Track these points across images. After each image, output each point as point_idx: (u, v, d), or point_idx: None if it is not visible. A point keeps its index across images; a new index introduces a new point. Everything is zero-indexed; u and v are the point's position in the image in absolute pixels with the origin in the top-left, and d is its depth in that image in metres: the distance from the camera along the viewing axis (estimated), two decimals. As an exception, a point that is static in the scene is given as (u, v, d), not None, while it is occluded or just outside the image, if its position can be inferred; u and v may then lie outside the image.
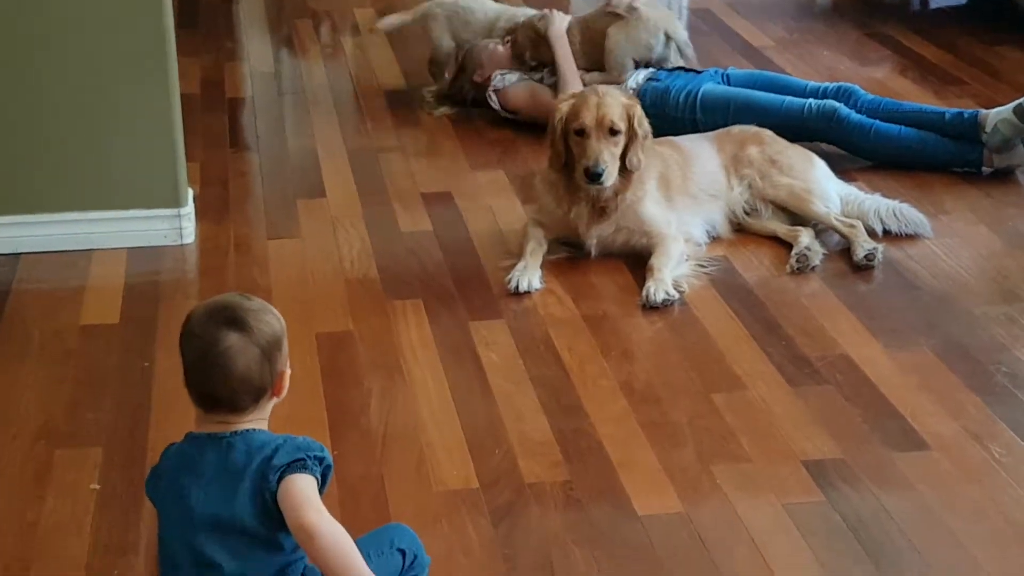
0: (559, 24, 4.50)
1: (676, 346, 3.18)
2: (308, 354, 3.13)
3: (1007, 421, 2.83)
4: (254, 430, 2.11)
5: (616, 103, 3.50)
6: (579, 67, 4.49)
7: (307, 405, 2.94)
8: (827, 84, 4.32)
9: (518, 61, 4.56)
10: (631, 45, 4.47)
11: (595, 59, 4.54)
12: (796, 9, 5.98)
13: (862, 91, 4.25)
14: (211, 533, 2.05)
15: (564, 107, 3.54)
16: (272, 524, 2.04)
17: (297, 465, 2.04)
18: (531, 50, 4.54)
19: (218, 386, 2.07)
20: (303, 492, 2.02)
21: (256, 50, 5.50)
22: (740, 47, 5.38)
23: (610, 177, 3.47)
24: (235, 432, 2.09)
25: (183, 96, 3.82)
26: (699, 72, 4.42)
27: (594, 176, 3.45)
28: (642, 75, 4.44)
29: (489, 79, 4.54)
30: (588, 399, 2.96)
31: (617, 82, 4.32)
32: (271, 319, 2.12)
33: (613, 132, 3.47)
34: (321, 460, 2.07)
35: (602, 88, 3.64)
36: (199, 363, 2.08)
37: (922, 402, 2.91)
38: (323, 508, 2.02)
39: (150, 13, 3.52)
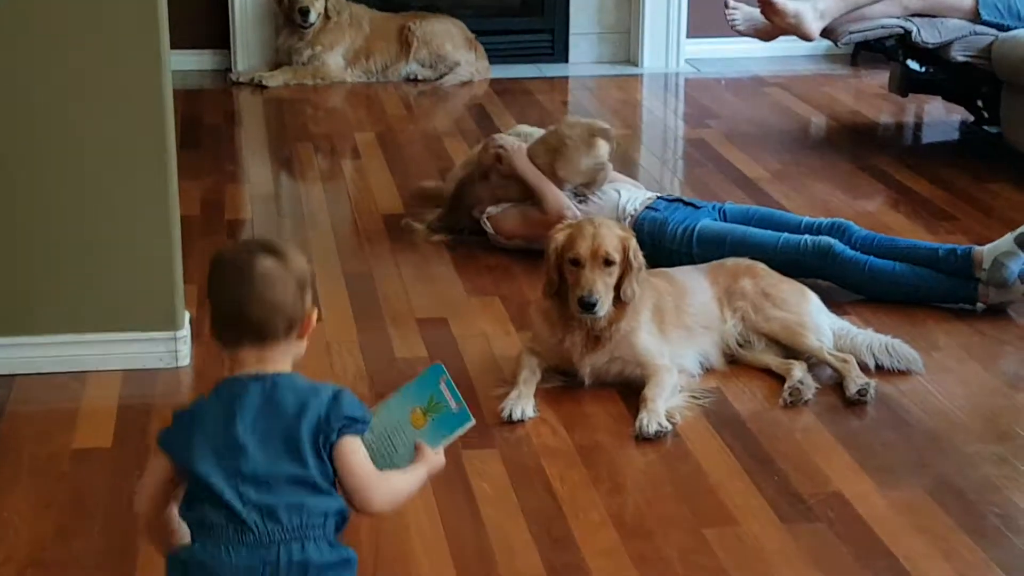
0: (519, 156, 4.55)
1: (668, 479, 3.18)
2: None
3: (1000, 564, 2.82)
4: (294, 374, 2.14)
5: (612, 234, 3.54)
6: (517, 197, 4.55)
7: (297, 534, 2.92)
8: (821, 220, 4.37)
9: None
10: (578, 174, 4.50)
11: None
12: (790, 141, 6.07)
13: (856, 227, 4.30)
14: (262, 476, 2.08)
15: (560, 236, 3.58)
16: (325, 472, 2.10)
17: (357, 427, 2.12)
18: (507, 190, 4.59)
19: (254, 306, 2.09)
20: (362, 467, 2.12)
21: (257, 172, 5.57)
22: (735, 178, 5.45)
23: (603, 307, 3.49)
24: (277, 373, 2.12)
25: (183, 218, 3.85)
26: (698, 207, 4.47)
27: (588, 306, 3.47)
28: (640, 200, 4.49)
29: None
30: (579, 531, 2.95)
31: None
32: (303, 259, 2.18)
33: (608, 263, 3.50)
34: (367, 422, 2.15)
35: (598, 219, 3.69)
36: (233, 287, 2.10)
37: (915, 543, 2.90)
38: (377, 482, 2.13)
39: (152, 135, 3.56)
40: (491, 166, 4.61)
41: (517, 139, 4.70)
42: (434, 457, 2.29)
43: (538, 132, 4.80)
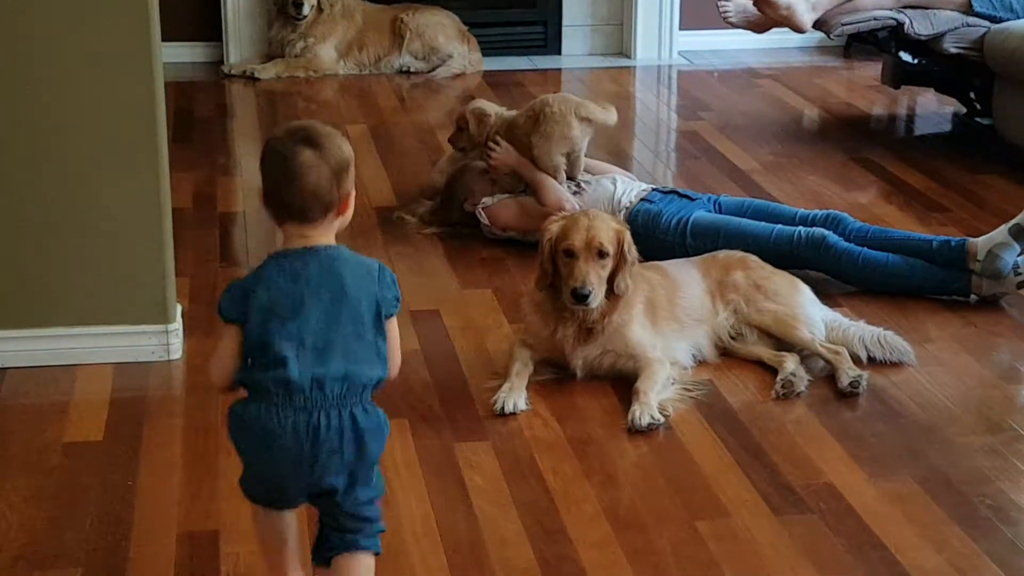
0: (510, 154, 4.56)
1: (661, 471, 3.18)
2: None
3: (991, 555, 2.82)
4: (340, 246, 2.39)
5: (607, 227, 3.53)
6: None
7: (289, 527, 2.92)
8: (816, 212, 4.37)
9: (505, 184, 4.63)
10: (551, 144, 4.52)
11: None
12: (783, 133, 6.06)
13: (850, 219, 4.30)
14: (325, 331, 2.31)
15: (554, 227, 3.58)
16: (382, 339, 2.37)
17: (399, 305, 2.40)
18: (499, 181, 4.61)
19: (293, 196, 2.33)
20: (397, 339, 2.44)
21: (249, 165, 5.55)
22: (728, 170, 5.45)
23: (596, 299, 3.49)
24: (327, 246, 2.37)
25: (175, 211, 3.85)
26: (692, 199, 4.47)
27: (580, 297, 3.47)
28: (635, 192, 4.49)
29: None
30: (572, 524, 2.95)
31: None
32: (343, 144, 2.40)
33: (602, 255, 3.50)
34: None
35: (593, 211, 3.69)
36: (277, 175, 2.35)
37: (906, 534, 2.90)
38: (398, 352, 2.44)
39: (144, 128, 3.55)
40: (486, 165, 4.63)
41: (489, 105, 4.70)
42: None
43: (498, 108, 4.79)
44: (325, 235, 2.38)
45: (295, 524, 2.47)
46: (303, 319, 2.31)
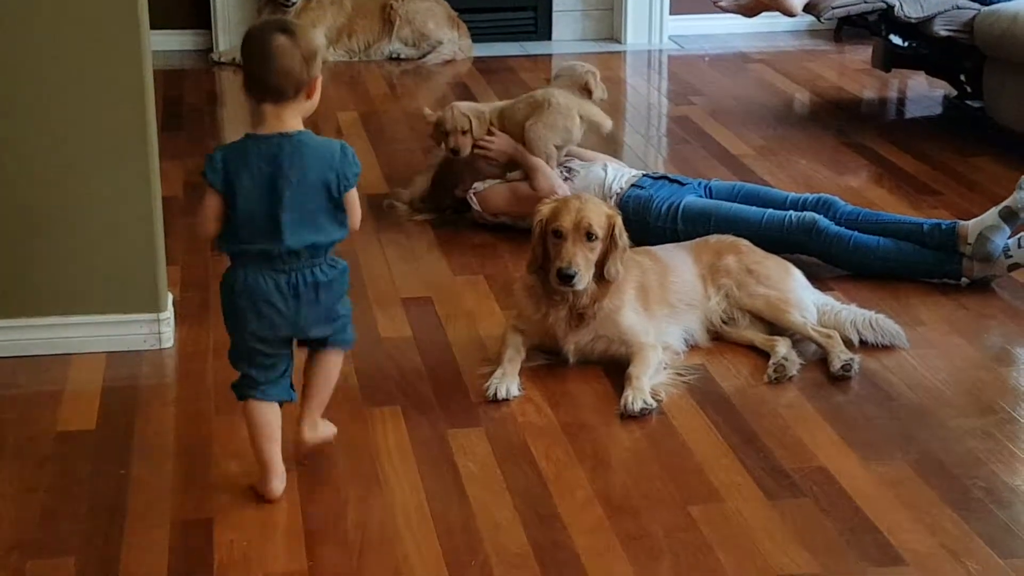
0: (503, 142, 4.56)
1: (654, 456, 3.18)
2: (285, 462, 3.11)
3: (984, 537, 2.83)
4: (306, 131, 2.83)
5: (597, 210, 3.53)
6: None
7: (283, 514, 2.92)
8: (807, 195, 4.37)
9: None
10: (551, 133, 4.53)
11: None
12: (774, 117, 6.06)
13: (842, 202, 4.31)
14: (295, 208, 2.79)
15: (545, 209, 3.58)
16: (341, 209, 2.86)
17: (357, 178, 2.86)
18: (488, 167, 4.63)
19: (269, 74, 2.76)
20: (357, 202, 2.89)
21: (239, 152, 5.53)
22: (719, 155, 5.45)
23: (582, 281, 3.48)
24: (297, 131, 2.81)
25: (165, 199, 3.85)
26: (683, 184, 4.47)
27: (565, 277, 3.46)
28: (625, 178, 4.49)
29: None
30: (565, 509, 2.95)
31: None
32: (315, 37, 2.88)
33: (590, 237, 3.49)
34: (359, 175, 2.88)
35: (586, 195, 3.69)
36: (257, 57, 2.77)
37: (899, 517, 2.91)
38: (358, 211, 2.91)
39: (133, 117, 3.54)
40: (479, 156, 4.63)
41: (470, 110, 4.68)
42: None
43: (478, 105, 4.77)
44: (295, 117, 2.83)
45: (279, 417, 2.95)
46: (277, 197, 2.79)
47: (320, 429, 3.08)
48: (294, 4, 6.93)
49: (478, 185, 4.61)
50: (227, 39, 7.09)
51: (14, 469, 3.10)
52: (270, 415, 2.94)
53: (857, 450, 3.19)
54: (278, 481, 2.96)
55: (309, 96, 2.83)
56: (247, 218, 2.81)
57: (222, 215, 2.84)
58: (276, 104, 2.80)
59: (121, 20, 3.47)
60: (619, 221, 3.55)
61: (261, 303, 2.86)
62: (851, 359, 3.57)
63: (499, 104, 4.74)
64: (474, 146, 4.61)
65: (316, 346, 3.00)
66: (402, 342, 3.76)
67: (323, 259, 2.89)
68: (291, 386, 2.99)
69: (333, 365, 3.03)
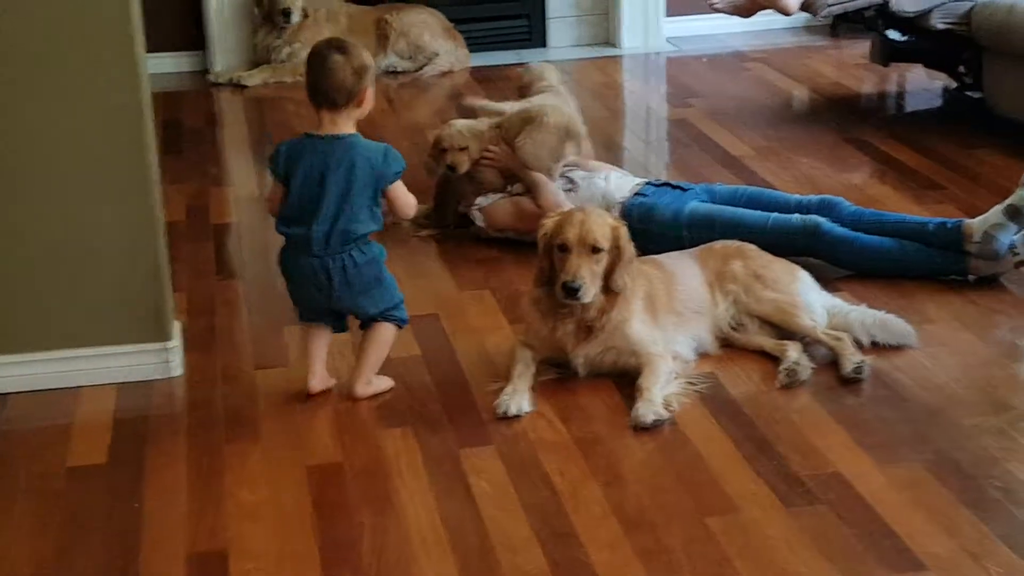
0: (507, 156, 4.55)
1: (668, 468, 3.17)
2: (299, 488, 3.11)
3: (1004, 539, 2.81)
4: (356, 134, 3.38)
5: (601, 222, 3.52)
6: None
7: (298, 541, 2.91)
8: (811, 197, 4.36)
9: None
10: (541, 151, 4.50)
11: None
12: (773, 116, 6.05)
13: (845, 203, 4.29)
14: (337, 201, 3.33)
15: (549, 223, 3.56)
16: (377, 203, 3.39)
17: (400, 174, 3.39)
18: (490, 181, 4.62)
19: (327, 85, 3.32)
20: (405, 194, 3.44)
21: (240, 174, 5.54)
22: (720, 157, 5.44)
23: (587, 294, 3.47)
24: (351, 135, 3.36)
25: (169, 224, 3.84)
26: (686, 189, 4.46)
27: (571, 291, 3.45)
28: (628, 187, 4.48)
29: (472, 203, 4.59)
30: (581, 526, 2.94)
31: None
32: (366, 54, 3.39)
33: (595, 250, 3.48)
34: (405, 168, 3.41)
35: (590, 207, 3.68)
36: (316, 71, 3.34)
37: (917, 520, 2.89)
38: (409, 200, 3.47)
39: (132, 143, 3.53)
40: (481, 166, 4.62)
41: (467, 129, 4.67)
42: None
43: (475, 123, 4.75)
44: (347, 122, 3.37)
45: (325, 339, 3.53)
46: (322, 191, 3.32)
47: (373, 384, 3.53)
48: (292, 23, 6.93)
49: (481, 200, 4.60)
50: (223, 59, 7.08)
51: (27, 506, 3.09)
52: (318, 336, 3.53)
53: (871, 453, 3.18)
54: (316, 382, 3.53)
55: (359, 105, 3.37)
56: (296, 205, 3.36)
57: (281, 200, 3.40)
58: (331, 111, 3.35)
59: (116, 45, 3.46)
60: (624, 232, 3.54)
61: (301, 281, 3.43)
62: (862, 361, 3.55)
63: (493, 122, 4.71)
64: (481, 158, 4.60)
65: (367, 322, 3.49)
66: (410, 360, 3.75)
67: (354, 247, 3.36)
68: (344, 322, 3.54)
69: (384, 336, 3.50)
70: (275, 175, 3.41)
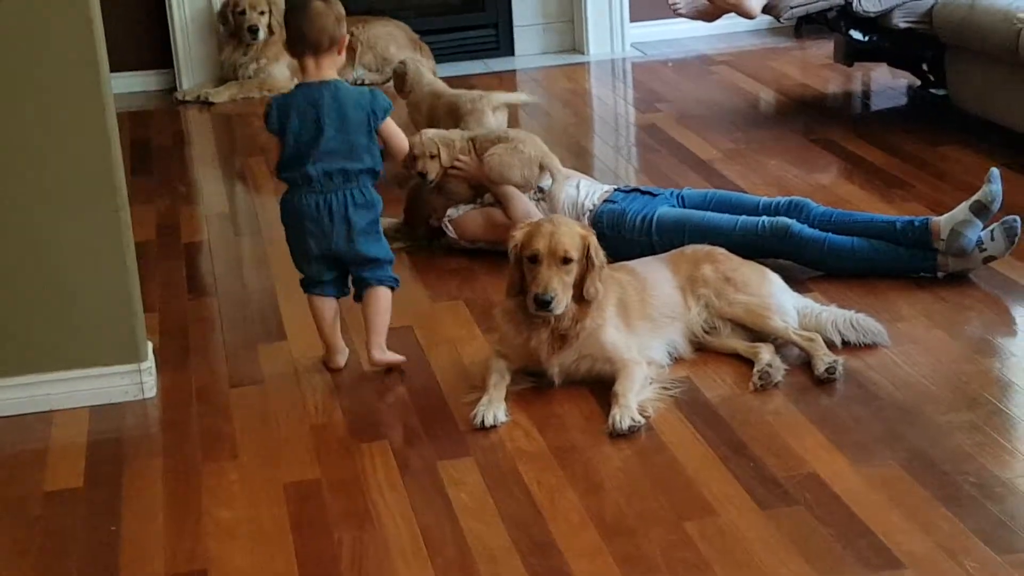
0: (478, 168, 4.55)
1: (645, 474, 3.18)
2: (277, 505, 3.11)
3: (979, 534, 2.83)
4: (340, 80, 3.60)
5: (571, 232, 3.53)
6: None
7: (278, 558, 2.91)
8: (779, 199, 4.38)
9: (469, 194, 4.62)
10: (508, 168, 4.50)
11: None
12: (741, 119, 6.07)
13: (813, 204, 4.31)
14: (333, 140, 3.53)
15: (519, 235, 3.57)
16: (373, 140, 3.59)
17: (389, 112, 3.62)
18: (459, 193, 4.62)
19: (309, 30, 3.53)
20: (397, 130, 3.68)
21: (210, 191, 5.52)
22: (689, 161, 5.46)
23: (560, 305, 3.48)
24: (334, 80, 3.57)
25: (139, 244, 3.83)
26: (655, 195, 4.47)
27: (543, 303, 3.46)
28: (598, 194, 4.49)
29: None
30: (560, 535, 2.94)
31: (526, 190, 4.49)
32: (340, 5, 3.60)
33: (566, 260, 3.49)
34: (391, 107, 3.66)
35: (558, 218, 3.69)
36: (299, 20, 3.54)
37: (893, 518, 2.91)
38: (401, 135, 3.71)
39: (99, 164, 3.52)
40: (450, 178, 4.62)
41: (438, 137, 4.66)
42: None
43: (447, 133, 4.75)
44: (331, 68, 3.58)
45: (332, 312, 3.71)
46: (318, 130, 3.52)
47: (388, 353, 3.71)
48: (259, 39, 6.92)
49: (452, 212, 4.61)
50: (190, 78, 7.07)
51: (3, 531, 3.08)
52: (326, 307, 3.71)
53: (846, 453, 3.19)
54: (339, 356, 3.75)
55: (340, 51, 3.58)
56: (294, 149, 3.56)
57: (281, 150, 3.60)
58: (315, 56, 3.55)
59: (79, 65, 3.44)
60: (593, 240, 3.55)
61: (301, 220, 3.59)
62: (835, 361, 3.57)
63: (466, 134, 4.72)
64: (451, 167, 4.60)
65: (360, 284, 3.69)
66: (386, 374, 3.75)
67: (355, 185, 3.58)
68: (345, 284, 3.72)
69: (381, 301, 3.70)
70: (271, 131, 3.60)
